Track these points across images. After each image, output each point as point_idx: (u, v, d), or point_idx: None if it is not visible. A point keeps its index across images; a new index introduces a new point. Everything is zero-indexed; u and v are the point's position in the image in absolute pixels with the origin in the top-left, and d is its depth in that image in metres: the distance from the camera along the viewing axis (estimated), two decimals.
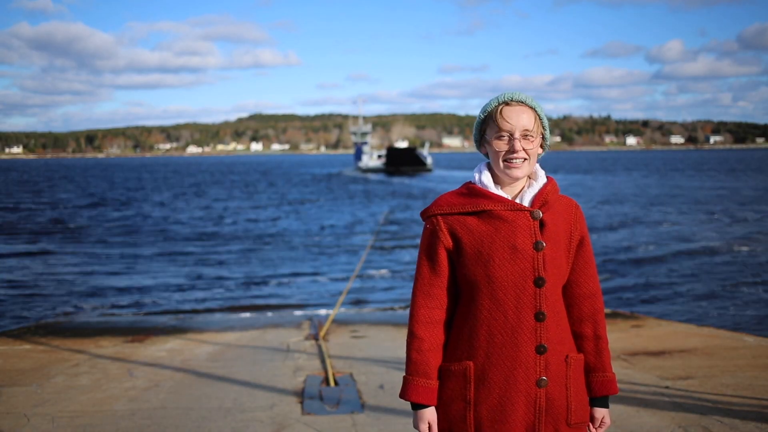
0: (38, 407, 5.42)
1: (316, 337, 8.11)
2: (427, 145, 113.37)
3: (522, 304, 2.24)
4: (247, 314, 11.33)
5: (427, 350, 2.34)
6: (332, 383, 6.06)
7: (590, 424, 2.40)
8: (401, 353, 7.14)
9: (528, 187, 2.35)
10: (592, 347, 2.39)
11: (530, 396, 2.25)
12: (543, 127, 2.36)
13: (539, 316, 2.24)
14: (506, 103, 2.31)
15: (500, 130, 2.29)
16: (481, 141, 2.40)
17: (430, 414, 2.34)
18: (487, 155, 2.40)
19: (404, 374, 2.39)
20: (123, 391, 5.91)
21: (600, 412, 2.40)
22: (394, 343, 7.73)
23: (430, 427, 2.34)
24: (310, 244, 22.07)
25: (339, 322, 9.37)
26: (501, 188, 2.34)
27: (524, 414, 2.25)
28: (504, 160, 2.29)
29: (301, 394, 5.74)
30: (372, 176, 79.20)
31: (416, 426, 2.35)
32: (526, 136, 2.29)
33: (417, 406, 2.35)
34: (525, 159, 2.29)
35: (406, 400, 2.35)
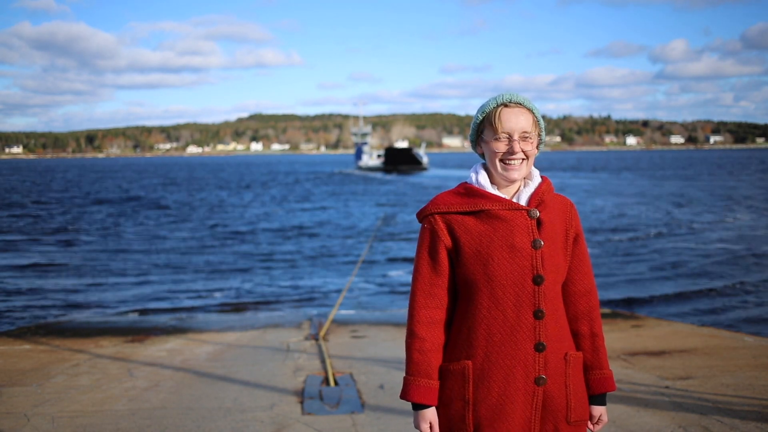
0: (38, 407, 5.42)
1: (316, 337, 8.12)
2: (423, 145, 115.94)
3: (521, 303, 2.25)
4: (247, 314, 11.34)
5: (428, 350, 2.33)
6: (332, 383, 6.06)
7: (588, 422, 2.41)
8: (401, 353, 7.14)
9: (524, 186, 2.36)
10: (589, 345, 2.41)
11: (529, 394, 2.25)
12: (540, 128, 2.37)
13: (538, 314, 2.25)
14: (505, 105, 2.31)
15: (499, 131, 2.30)
16: (477, 141, 2.41)
17: (431, 414, 2.33)
18: (482, 156, 2.40)
19: (405, 375, 2.37)
20: (123, 391, 5.91)
21: (598, 410, 2.41)
22: (394, 343, 7.73)
23: (431, 427, 2.34)
24: (309, 247, 22.06)
25: (339, 322, 9.37)
26: (497, 188, 2.35)
27: (523, 412, 2.25)
28: (502, 161, 2.31)
29: (301, 394, 5.74)
30: (371, 174, 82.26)
31: (417, 426, 2.35)
32: (525, 137, 2.31)
33: (418, 407, 2.34)
34: (523, 160, 2.31)
35: (407, 400, 2.34)
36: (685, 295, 13.06)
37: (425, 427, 2.33)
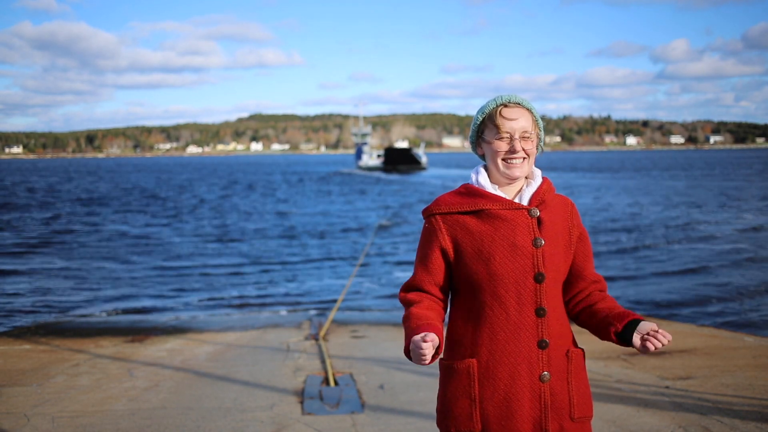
0: (38, 407, 5.42)
1: (316, 337, 8.12)
2: (422, 145, 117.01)
3: (523, 301, 2.28)
4: (247, 314, 11.34)
5: (426, 308, 2.34)
6: (332, 383, 6.06)
7: (650, 336, 2.21)
8: (401, 353, 7.14)
9: (526, 186, 2.40)
10: (610, 299, 2.40)
11: (535, 391, 2.27)
12: (539, 128, 2.41)
13: (540, 312, 2.28)
14: (504, 105, 2.36)
15: (501, 131, 2.33)
16: (477, 142, 2.44)
17: (427, 333, 2.19)
18: (482, 157, 2.44)
19: (406, 333, 2.29)
20: (123, 391, 5.91)
21: (645, 325, 2.23)
22: (394, 343, 7.73)
23: (426, 338, 2.15)
24: (310, 247, 22.07)
25: (339, 322, 9.38)
26: (498, 188, 2.39)
27: (530, 409, 2.27)
28: (503, 160, 2.34)
29: (301, 394, 5.74)
30: (371, 174, 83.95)
31: (414, 343, 2.18)
32: (526, 137, 2.34)
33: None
34: (524, 159, 2.35)
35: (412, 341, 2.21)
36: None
37: (418, 336, 2.17)
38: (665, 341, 2.21)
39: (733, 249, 18.35)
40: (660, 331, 2.22)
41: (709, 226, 24.01)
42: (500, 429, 2.26)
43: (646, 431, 4.66)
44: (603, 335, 2.36)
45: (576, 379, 2.35)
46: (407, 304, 2.39)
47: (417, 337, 2.18)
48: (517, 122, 2.33)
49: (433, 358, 2.19)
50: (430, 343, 2.16)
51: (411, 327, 2.28)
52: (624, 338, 2.29)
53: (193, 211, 35.08)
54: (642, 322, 2.26)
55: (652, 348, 2.20)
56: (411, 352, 2.22)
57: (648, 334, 2.22)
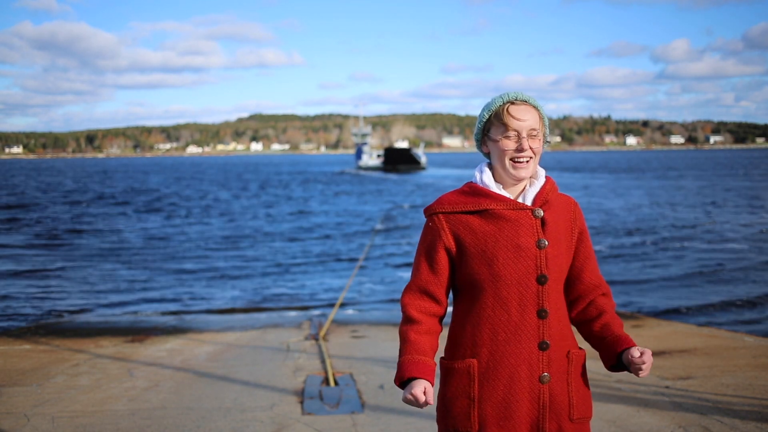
0: (38, 407, 5.42)
1: (316, 337, 8.12)
2: (422, 145, 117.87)
3: (525, 302, 2.27)
4: (247, 314, 11.34)
5: (424, 332, 2.33)
6: (332, 383, 6.06)
7: (636, 359, 2.24)
8: None
9: (530, 186, 2.37)
10: (606, 316, 2.39)
11: (534, 392, 2.27)
12: (545, 126, 2.39)
13: (542, 314, 2.27)
14: (512, 102, 2.33)
15: (508, 129, 2.31)
16: (483, 140, 2.41)
17: (425, 382, 2.25)
18: (487, 155, 2.41)
19: (399, 357, 2.32)
20: (123, 391, 5.91)
21: (635, 349, 2.27)
22: (394, 343, 7.73)
23: (425, 392, 2.22)
24: (311, 247, 22.07)
25: (339, 322, 9.38)
26: (502, 187, 2.36)
27: (528, 410, 2.27)
28: (511, 159, 2.32)
29: (301, 394, 5.74)
30: (371, 174, 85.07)
31: (411, 392, 2.22)
32: (533, 135, 2.32)
33: (413, 379, 2.27)
34: (531, 157, 2.32)
35: (403, 379, 2.26)
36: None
37: (418, 390, 2.21)
38: (646, 364, 2.25)
39: (748, 249, 18.33)
40: (633, 359, 2.25)
41: (727, 225, 23.99)
42: (498, 429, 2.26)
43: (646, 431, 4.65)
44: (602, 360, 2.41)
45: (576, 381, 2.35)
46: (407, 319, 2.36)
47: (419, 393, 2.21)
48: (524, 120, 2.30)
49: None
50: (426, 405, 2.24)
51: (407, 360, 2.29)
52: (618, 367, 2.37)
53: (194, 212, 35.08)
54: (626, 353, 2.30)
55: (644, 375, 2.27)
56: (405, 395, 2.25)
57: (632, 363, 2.26)
